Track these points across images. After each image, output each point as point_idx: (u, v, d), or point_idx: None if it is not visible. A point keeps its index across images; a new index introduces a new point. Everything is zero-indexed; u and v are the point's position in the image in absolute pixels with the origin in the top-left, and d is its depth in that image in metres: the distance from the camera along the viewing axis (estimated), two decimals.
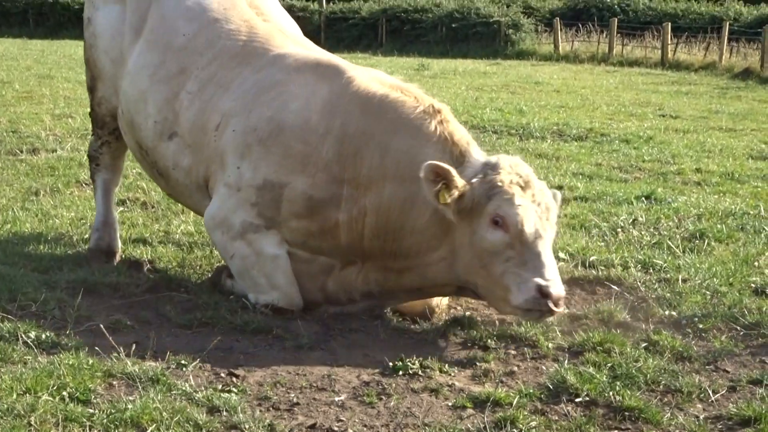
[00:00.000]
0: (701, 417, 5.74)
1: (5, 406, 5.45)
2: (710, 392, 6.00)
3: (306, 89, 7.65)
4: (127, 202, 9.99)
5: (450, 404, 5.85)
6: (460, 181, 6.90)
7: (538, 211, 6.87)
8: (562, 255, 8.42)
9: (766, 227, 9.48)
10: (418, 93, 7.92)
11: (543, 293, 6.46)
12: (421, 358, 6.41)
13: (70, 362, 6.02)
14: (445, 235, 7.19)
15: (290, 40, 8.33)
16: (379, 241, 7.31)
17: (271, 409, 5.75)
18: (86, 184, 10.31)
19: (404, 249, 7.31)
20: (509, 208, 6.73)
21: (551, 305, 6.46)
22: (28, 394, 5.58)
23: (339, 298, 7.66)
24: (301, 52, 8.08)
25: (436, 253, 7.26)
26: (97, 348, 6.30)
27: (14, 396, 5.54)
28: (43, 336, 6.49)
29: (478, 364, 6.47)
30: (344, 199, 7.30)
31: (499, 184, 6.90)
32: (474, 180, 7.02)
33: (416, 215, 7.18)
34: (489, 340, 6.76)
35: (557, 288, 6.60)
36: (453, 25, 45.01)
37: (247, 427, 5.44)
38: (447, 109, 7.73)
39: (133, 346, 6.32)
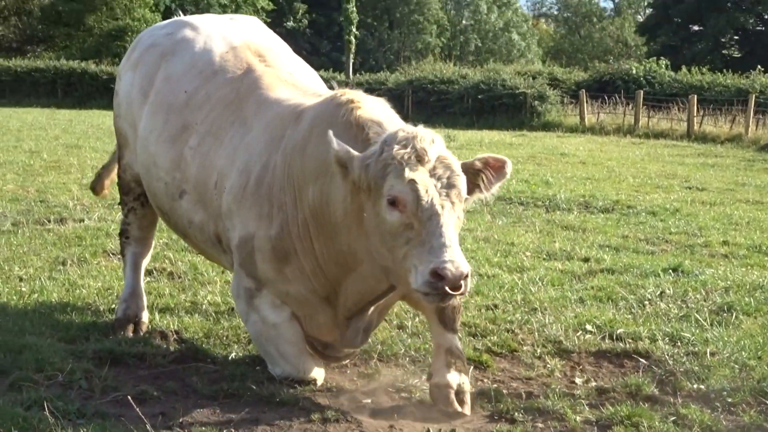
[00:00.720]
0: None
1: None
2: None
3: (266, 135, 7.66)
4: (154, 272, 9.98)
5: None
6: (355, 163, 6.71)
7: (437, 186, 6.58)
8: (589, 327, 8.38)
9: None
10: (349, 93, 7.72)
11: (438, 275, 6.14)
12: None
13: None
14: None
15: (287, 85, 8.25)
16: (328, 250, 7.15)
17: None
18: (113, 254, 10.34)
19: (345, 251, 7.10)
20: (401, 186, 6.44)
21: (447, 288, 6.14)
22: None
23: (353, 339, 7.45)
24: (288, 100, 7.91)
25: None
26: (123, 418, 6.30)
27: None
28: (69, 406, 6.48)
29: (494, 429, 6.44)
30: (290, 222, 7.22)
31: (391, 160, 6.60)
32: (369, 160, 6.77)
33: (333, 210, 7.04)
34: (516, 413, 6.70)
35: (454, 268, 6.21)
36: (479, 97, 45.08)
37: None
38: (361, 95, 7.55)
39: (160, 417, 6.32)
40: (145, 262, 9.13)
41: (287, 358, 7.32)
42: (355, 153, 6.65)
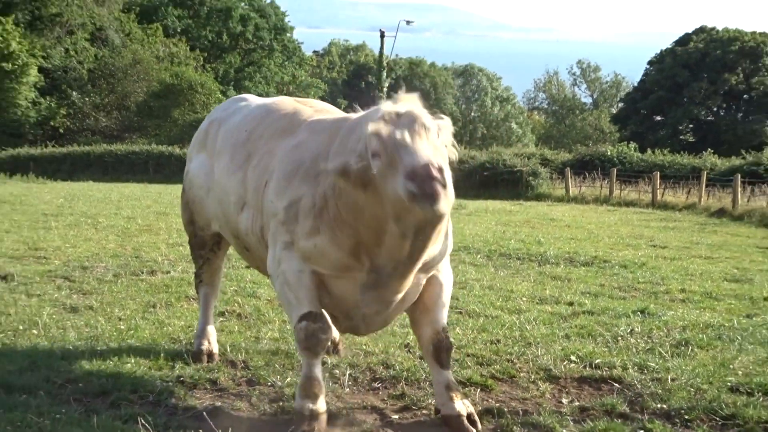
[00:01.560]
0: None
1: None
2: None
3: (317, 136, 7.36)
4: (226, 313, 9.99)
5: None
6: None
7: (402, 127, 6.12)
8: (573, 358, 8.35)
9: (739, 337, 9.41)
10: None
11: (412, 174, 5.74)
12: None
13: None
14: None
15: (334, 114, 8.09)
16: (353, 210, 6.64)
17: None
18: (193, 299, 10.36)
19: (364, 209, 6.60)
20: (372, 141, 6.06)
21: (426, 180, 5.74)
22: None
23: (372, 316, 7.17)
24: (323, 119, 7.77)
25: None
26: (200, 430, 6.33)
27: None
28: (158, 420, 6.50)
29: None
30: (327, 188, 6.78)
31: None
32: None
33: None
34: (515, 427, 6.67)
35: (422, 161, 5.83)
36: (485, 173, 45.19)
37: None
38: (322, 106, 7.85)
39: (229, 429, 6.35)
40: (215, 302, 9.13)
41: (304, 301, 6.97)
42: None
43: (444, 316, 7.12)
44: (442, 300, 7.14)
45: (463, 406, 6.85)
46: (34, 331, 8.76)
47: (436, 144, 6.22)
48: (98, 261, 12.59)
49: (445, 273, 7.18)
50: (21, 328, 8.86)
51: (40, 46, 55.93)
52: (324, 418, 6.75)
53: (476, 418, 6.79)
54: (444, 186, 5.75)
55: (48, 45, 56.95)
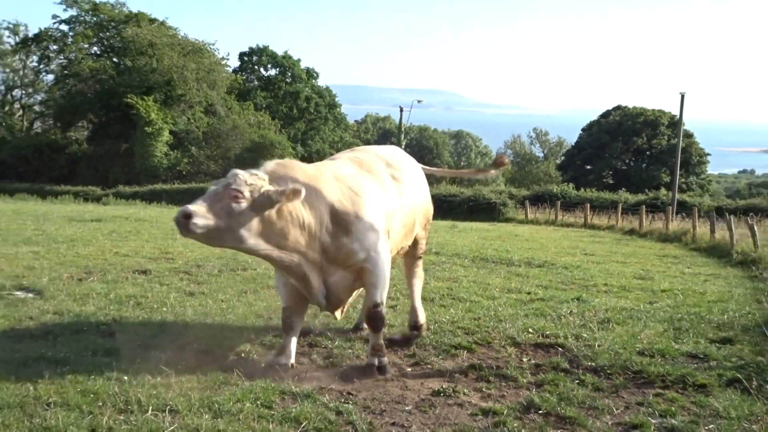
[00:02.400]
0: (610, 422, 5.65)
1: (228, 407, 5.47)
2: (613, 407, 5.90)
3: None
4: None
5: (468, 413, 5.81)
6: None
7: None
8: (530, 330, 8.30)
9: (644, 317, 9.35)
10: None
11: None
12: (453, 387, 6.38)
13: (262, 386, 6.04)
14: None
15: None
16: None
17: (369, 413, 5.71)
18: (272, 287, 10.35)
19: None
20: None
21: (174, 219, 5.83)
22: (238, 402, 5.59)
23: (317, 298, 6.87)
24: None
25: None
26: (276, 378, 6.32)
27: (230, 404, 5.55)
28: (247, 370, 6.51)
29: (485, 392, 6.38)
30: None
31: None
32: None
33: None
34: (490, 377, 6.64)
35: (181, 209, 5.84)
36: (470, 203, 45.48)
37: (356, 421, 5.41)
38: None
39: (295, 378, 6.35)
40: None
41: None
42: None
43: (375, 295, 6.87)
44: (372, 283, 6.83)
45: (376, 359, 6.81)
46: (164, 309, 8.80)
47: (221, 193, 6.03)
48: (208, 261, 12.60)
49: (373, 263, 6.75)
50: (155, 306, 8.91)
51: (170, 116, 56.40)
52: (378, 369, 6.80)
53: (388, 369, 6.80)
54: (181, 219, 5.76)
55: (176, 115, 57.39)
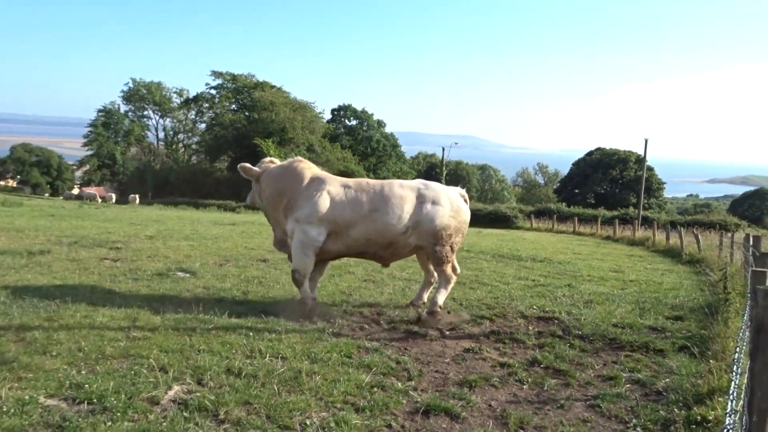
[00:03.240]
0: (592, 375, 5.49)
1: (321, 356, 5.47)
2: (594, 364, 5.74)
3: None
4: (367, 281, 9.99)
5: (489, 365, 5.72)
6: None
7: None
8: (534, 307, 8.15)
9: (617, 299, 9.11)
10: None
11: None
12: (479, 346, 6.28)
13: (345, 341, 6.04)
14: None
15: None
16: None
17: (419, 363, 5.66)
18: (351, 273, 10.34)
19: None
20: None
21: None
22: (328, 353, 5.60)
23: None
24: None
25: None
26: (354, 337, 6.31)
27: (323, 353, 5.57)
28: (333, 330, 6.52)
29: (502, 350, 6.27)
30: None
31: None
32: None
33: None
34: (506, 340, 6.54)
35: None
36: (491, 215, 44.80)
37: (410, 368, 5.37)
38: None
39: (368, 336, 6.33)
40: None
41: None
42: None
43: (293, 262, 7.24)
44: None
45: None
46: (277, 286, 8.75)
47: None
48: None
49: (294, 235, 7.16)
50: (272, 284, 8.90)
51: (283, 152, 57.06)
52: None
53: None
54: None
55: (287, 152, 57.97)
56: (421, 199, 7.21)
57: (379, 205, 7.10)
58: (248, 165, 7.77)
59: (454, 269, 7.61)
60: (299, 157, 7.88)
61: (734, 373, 3.58)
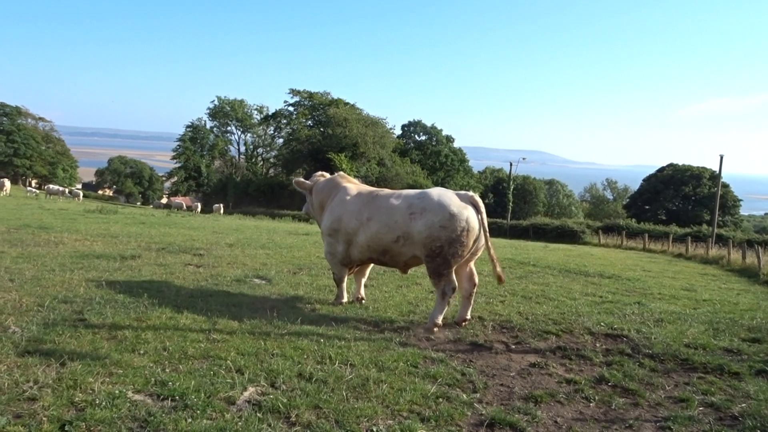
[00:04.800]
0: (663, 396, 5.21)
1: (388, 364, 5.45)
2: (665, 385, 5.45)
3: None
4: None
5: (555, 381, 5.54)
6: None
7: None
8: (602, 324, 7.83)
9: (689, 318, 8.63)
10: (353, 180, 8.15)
11: None
12: (545, 361, 6.10)
13: (411, 351, 5.98)
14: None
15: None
16: None
17: (484, 376, 5.55)
18: (417, 284, 10.30)
19: None
20: None
21: None
22: (395, 362, 5.56)
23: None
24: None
25: None
26: (420, 347, 6.24)
27: (390, 362, 5.54)
28: (383, 335, 6.50)
29: (568, 366, 6.07)
30: None
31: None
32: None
33: None
34: (572, 356, 6.32)
35: None
36: (558, 230, 43.88)
37: (476, 381, 5.27)
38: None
39: (434, 347, 6.26)
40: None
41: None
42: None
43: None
44: None
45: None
46: (350, 295, 8.85)
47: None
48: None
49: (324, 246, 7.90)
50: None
51: (355, 166, 57.84)
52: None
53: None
54: None
55: (359, 165, 58.80)
56: (411, 209, 6.99)
57: (373, 213, 7.30)
58: (301, 179, 8.40)
59: (471, 279, 7.33)
60: (341, 173, 8.35)
61: None
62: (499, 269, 7.25)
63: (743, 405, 5.09)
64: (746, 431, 4.52)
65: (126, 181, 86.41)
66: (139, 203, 74.50)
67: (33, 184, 71.19)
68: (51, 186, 48.54)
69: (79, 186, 77.30)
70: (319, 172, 8.58)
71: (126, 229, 17.69)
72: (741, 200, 68.04)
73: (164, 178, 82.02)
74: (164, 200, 69.37)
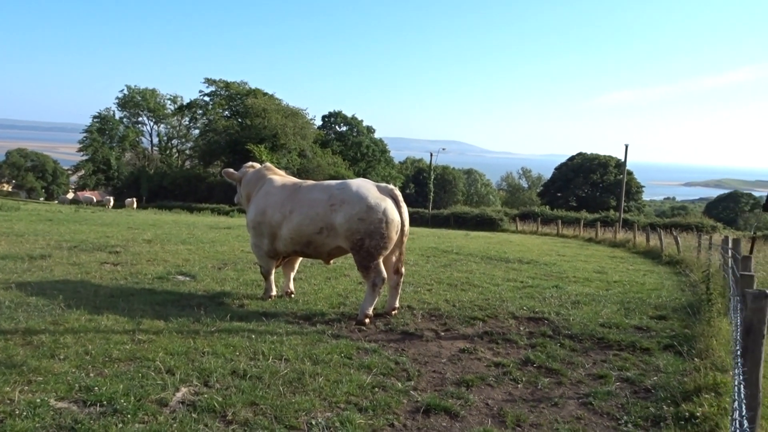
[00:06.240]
0: (583, 374, 5.52)
1: (322, 357, 5.46)
2: (585, 363, 5.78)
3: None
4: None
5: (484, 365, 5.74)
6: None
7: None
8: (524, 308, 8.19)
9: (603, 300, 9.18)
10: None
11: None
12: (473, 346, 6.31)
13: (345, 343, 6.02)
14: None
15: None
16: None
17: (417, 363, 5.67)
18: (346, 275, 10.34)
19: None
20: None
21: None
22: (329, 354, 5.57)
23: None
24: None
25: None
26: (353, 338, 6.29)
27: (324, 355, 5.55)
28: (323, 328, 6.51)
29: (495, 350, 6.31)
30: None
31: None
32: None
33: None
34: (499, 340, 6.57)
35: None
36: (478, 219, 45.14)
37: (409, 369, 5.37)
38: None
39: (366, 338, 6.31)
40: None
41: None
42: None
43: None
44: None
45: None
46: (277, 288, 8.78)
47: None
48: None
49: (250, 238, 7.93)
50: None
51: (276, 158, 56.92)
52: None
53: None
54: None
55: (279, 157, 57.89)
56: (331, 200, 7.03)
57: (295, 206, 7.31)
58: (230, 170, 8.22)
59: (398, 269, 7.36)
60: (268, 164, 8.28)
61: (735, 374, 3.63)
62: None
63: (655, 378, 5.49)
64: (659, 402, 4.89)
65: (27, 175, 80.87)
66: (42, 198, 70.07)
67: None
68: None
69: None
70: (249, 163, 8.41)
71: (32, 227, 16.63)
72: (644, 186, 72.58)
73: (70, 172, 77.46)
74: (70, 195, 65.61)
